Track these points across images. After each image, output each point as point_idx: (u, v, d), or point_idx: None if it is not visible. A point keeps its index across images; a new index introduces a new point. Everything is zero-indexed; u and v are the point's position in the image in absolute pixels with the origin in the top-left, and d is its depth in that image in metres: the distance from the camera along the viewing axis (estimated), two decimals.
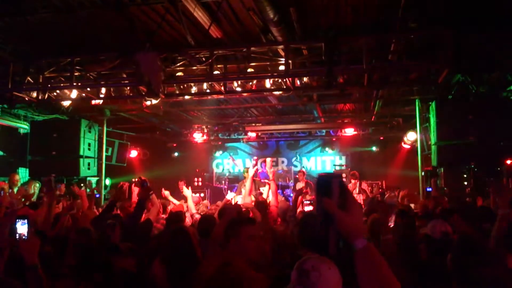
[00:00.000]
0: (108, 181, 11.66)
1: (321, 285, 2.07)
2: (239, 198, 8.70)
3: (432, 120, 8.94)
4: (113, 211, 5.42)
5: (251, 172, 6.95)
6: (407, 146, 13.07)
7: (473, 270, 2.48)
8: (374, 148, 14.69)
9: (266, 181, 8.10)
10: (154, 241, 4.57)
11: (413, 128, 11.31)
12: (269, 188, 6.83)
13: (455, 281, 2.54)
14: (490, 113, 7.86)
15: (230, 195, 8.74)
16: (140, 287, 3.37)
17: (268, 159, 7.44)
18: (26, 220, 2.88)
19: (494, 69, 6.84)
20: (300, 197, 6.27)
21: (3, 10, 6.23)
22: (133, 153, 14.09)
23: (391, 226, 4.67)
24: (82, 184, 8.97)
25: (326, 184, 1.49)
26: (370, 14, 6.71)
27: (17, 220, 2.88)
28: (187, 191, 7.22)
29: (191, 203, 7.05)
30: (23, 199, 7.25)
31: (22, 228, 2.87)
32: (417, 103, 9.78)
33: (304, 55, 7.46)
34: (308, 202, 5.78)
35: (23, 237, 2.86)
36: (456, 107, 8.24)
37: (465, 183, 8.66)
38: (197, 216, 6.43)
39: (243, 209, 5.79)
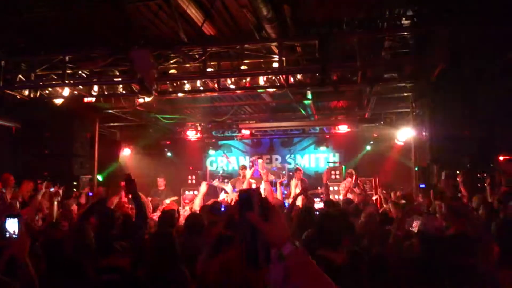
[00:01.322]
0: (100, 179, 11.59)
1: None
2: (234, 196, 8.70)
3: (426, 116, 8.95)
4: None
5: (249, 173, 6.94)
6: (400, 143, 13.10)
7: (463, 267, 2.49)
8: (368, 147, 14.69)
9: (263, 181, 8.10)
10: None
11: (407, 124, 11.35)
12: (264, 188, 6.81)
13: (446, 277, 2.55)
14: (485, 109, 7.88)
15: (223, 195, 8.72)
16: (129, 285, 3.37)
17: (260, 160, 7.43)
18: (16, 218, 2.83)
19: (489, 64, 6.86)
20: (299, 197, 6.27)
21: None
22: (126, 151, 14.02)
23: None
24: (75, 183, 8.91)
25: (246, 200, 1.55)
26: (364, 10, 6.70)
27: (7, 218, 2.83)
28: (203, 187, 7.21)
29: (198, 199, 7.07)
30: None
31: (12, 226, 2.82)
32: (410, 100, 9.80)
33: (298, 52, 7.45)
34: (319, 199, 5.79)
35: (14, 236, 2.81)
36: (450, 103, 8.26)
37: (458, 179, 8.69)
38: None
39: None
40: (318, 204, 5.57)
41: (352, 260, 3.00)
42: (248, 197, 1.55)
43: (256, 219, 1.52)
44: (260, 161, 7.40)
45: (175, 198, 10.54)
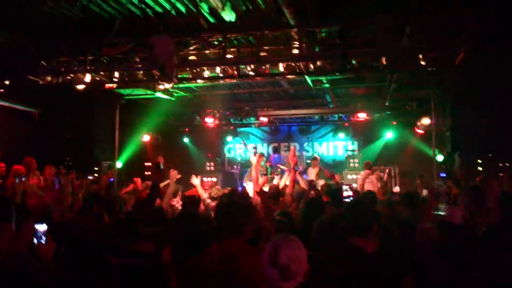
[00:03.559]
0: (120, 165, 11.74)
1: (301, 270, 2.11)
2: (250, 185, 8.68)
3: (448, 104, 8.85)
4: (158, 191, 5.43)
5: (254, 160, 6.89)
6: (420, 131, 12.94)
7: (501, 258, 2.46)
8: (388, 136, 14.47)
9: (284, 168, 8.05)
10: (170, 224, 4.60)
11: (428, 112, 11.20)
12: (289, 175, 6.77)
13: (482, 268, 2.53)
14: (507, 97, 7.76)
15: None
16: (152, 270, 3.40)
17: (292, 147, 7.30)
18: (45, 224, 2.93)
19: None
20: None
21: None
22: (145, 138, 14.14)
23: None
24: (96, 168, 9.05)
25: None
26: None
27: (37, 224, 2.93)
28: (195, 180, 7.23)
29: (201, 190, 7.08)
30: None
31: (41, 228, 2.92)
32: (432, 87, 9.66)
33: (318, 39, 7.38)
34: (347, 187, 5.72)
35: (41, 241, 2.91)
36: (473, 91, 8.15)
37: (480, 168, 8.59)
38: (209, 201, 6.46)
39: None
40: (347, 192, 5.51)
41: (382, 248, 2.99)
42: None
43: None
44: (292, 147, 7.25)
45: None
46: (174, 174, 6.99)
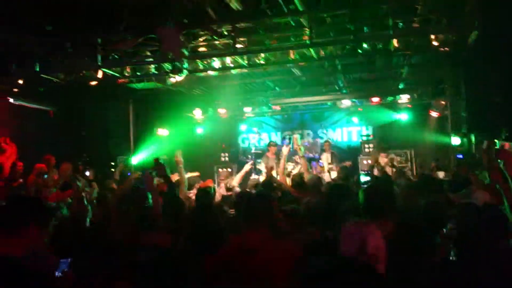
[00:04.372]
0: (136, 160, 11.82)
1: (383, 259, 2.10)
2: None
3: (462, 85, 8.71)
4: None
5: (285, 150, 6.90)
6: (435, 114, 12.76)
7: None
8: (402, 119, 14.27)
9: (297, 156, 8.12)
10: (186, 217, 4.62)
11: (443, 94, 11.05)
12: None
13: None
14: None
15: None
16: (168, 262, 3.42)
17: (294, 136, 7.39)
18: (69, 259, 2.98)
19: None
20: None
21: None
22: (160, 131, 14.20)
23: None
24: (113, 163, 9.13)
25: None
26: None
27: (61, 259, 2.97)
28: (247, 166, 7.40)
29: (239, 176, 7.15)
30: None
31: (64, 265, 2.96)
32: (446, 68, 9.52)
33: (328, 24, 7.29)
34: (364, 172, 5.74)
35: (62, 274, 2.94)
36: (486, 70, 8.01)
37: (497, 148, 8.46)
38: (238, 189, 6.51)
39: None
40: (365, 178, 5.49)
41: (398, 232, 2.97)
42: None
43: None
44: (294, 136, 7.35)
45: (196, 174, 10.03)
46: (179, 153, 7.14)
